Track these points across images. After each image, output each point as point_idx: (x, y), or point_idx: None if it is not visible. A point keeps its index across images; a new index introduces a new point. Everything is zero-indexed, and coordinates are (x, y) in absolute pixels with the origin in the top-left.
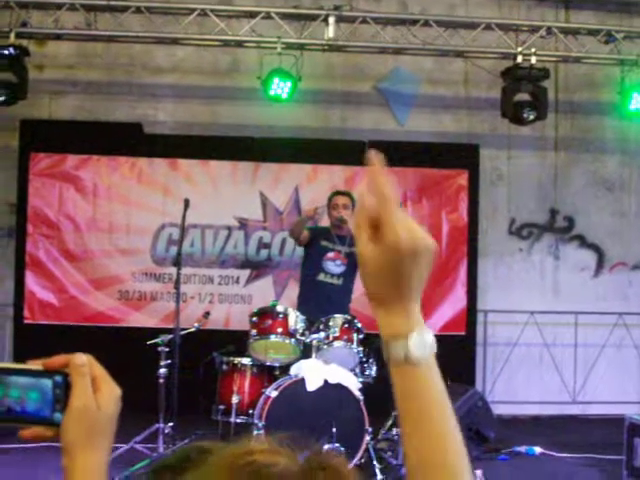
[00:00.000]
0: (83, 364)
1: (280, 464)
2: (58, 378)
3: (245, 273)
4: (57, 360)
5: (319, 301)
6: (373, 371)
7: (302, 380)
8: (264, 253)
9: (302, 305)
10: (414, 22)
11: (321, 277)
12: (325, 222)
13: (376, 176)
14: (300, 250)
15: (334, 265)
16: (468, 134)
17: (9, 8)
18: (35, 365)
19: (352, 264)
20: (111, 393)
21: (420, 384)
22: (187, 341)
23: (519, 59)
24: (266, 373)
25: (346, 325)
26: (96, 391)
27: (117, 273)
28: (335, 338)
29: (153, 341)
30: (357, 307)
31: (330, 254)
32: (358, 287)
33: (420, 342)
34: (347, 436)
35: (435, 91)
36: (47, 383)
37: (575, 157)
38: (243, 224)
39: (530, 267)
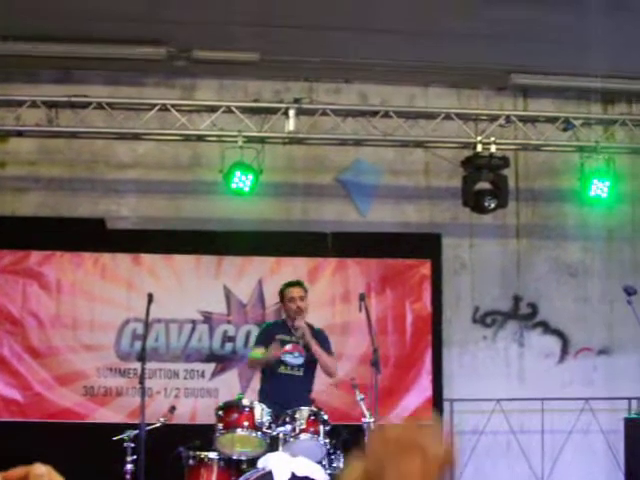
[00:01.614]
0: (42, 474)
1: None
2: None
3: (210, 367)
4: (17, 472)
5: (280, 394)
6: (341, 463)
7: (269, 473)
8: (229, 346)
9: (263, 401)
10: (374, 113)
11: (282, 370)
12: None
13: None
14: None
15: (293, 357)
16: (430, 223)
17: None
18: None
19: (311, 354)
20: None
21: None
22: (153, 436)
23: (479, 148)
24: (233, 467)
25: (312, 417)
26: None
27: (82, 369)
28: (301, 430)
29: (119, 437)
30: (324, 398)
31: (288, 347)
32: (324, 380)
33: None
34: None
35: (396, 181)
36: None
37: (537, 244)
38: (207, 318)
39: (495, 355)
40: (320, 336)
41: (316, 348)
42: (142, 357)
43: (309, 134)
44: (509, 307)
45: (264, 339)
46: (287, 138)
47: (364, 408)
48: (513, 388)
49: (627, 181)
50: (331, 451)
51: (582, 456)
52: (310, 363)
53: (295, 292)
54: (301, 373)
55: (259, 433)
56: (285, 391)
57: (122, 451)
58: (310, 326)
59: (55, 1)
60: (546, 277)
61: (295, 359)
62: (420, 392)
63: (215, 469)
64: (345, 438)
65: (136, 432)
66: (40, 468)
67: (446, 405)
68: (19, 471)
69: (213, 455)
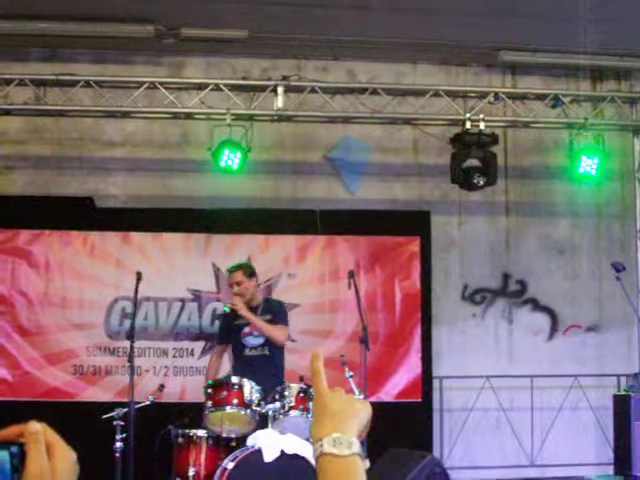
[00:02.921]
0: (37, 431)
1: None
2: (14, 449)
3: (199, 345)
4: (11, 431)
5: (250, 375)
6: None
7: (259, 451)
8: (218, 325)
9: None
10: (362, 91)
11: (247, 352)
12: (279, 293)
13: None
14: None
15: (252, 338)
16: (419, 201)
17: None
18: None
19: None
20: (66, 458)
21: (332, 471)
22: (142, 414)
23: (468, 125)
24: (222, 445)
25: (301, 394)
26: (51, 457)
27: (71, 348)
28: (291, 408)
29: (108, 415)
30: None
31: (245, 329)
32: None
33: (333, 442)
34: None
35: (385, 159)
36: (4, 455)
37: (526, 221)
38: (196, 296)
39: (484, 332)
40: (274, 307)
41: (255, 322)
42: (131, 335)
43: (297, 111)
44: (498, 284)
45: (222, 334)
46: (275, 115)
47: (353, 385)
48: (502, 365)
49: (616, 158)
50: None
51: (571, 432)
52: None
53: (232, 278)
54: (266, 352)
55: (248, 411)
56: (254, 372)
57: (111, 429)
58: (266, 299)
59: None
60: (535, 254)
61: (255, 339)
62: (409, 369)
63: (204, 447)
64: None
65: (125, 410)
66: (35, 426)
67: (435, 382)
68: (14, 430)
69: (202, 433)
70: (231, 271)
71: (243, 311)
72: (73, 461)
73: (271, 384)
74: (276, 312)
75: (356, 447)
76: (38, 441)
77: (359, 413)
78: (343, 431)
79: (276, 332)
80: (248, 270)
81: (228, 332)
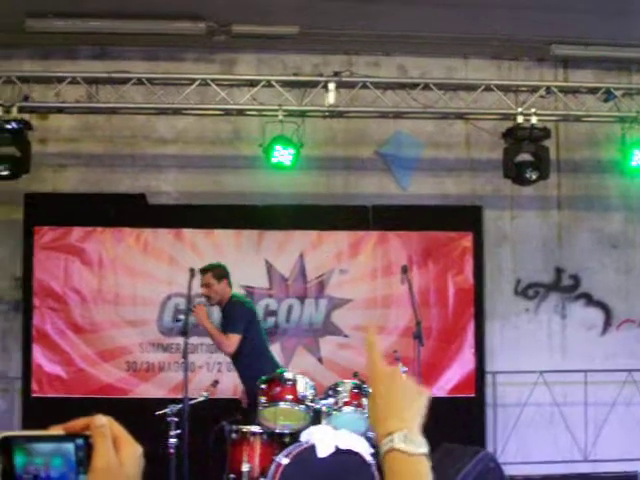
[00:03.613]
0: (103, 425)
1: None
2: (80, 441)
3: None
4: (78, 423)
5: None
6: None
7: (313, 446)
8: (271, 320)
9: None
10: (414, 86)
11: None
12: (332, 289)
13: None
14: (306, 317)
15: None
16: (471, 196)
17: (11, 83)
18: (56, 430)
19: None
20: (133, 452)
21: (402, 468)
22: (196, 411)
23: (519, 119)
24: (276, 440)
25: (355, 390)
26: (118, 451)
27: (124, 344)
28: (345, 403)
29: (162, 411)
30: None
31: None
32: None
33: (404, 438)
34: None
35: (437, 154)
36: (69, 447)
37: (579, 215)
38: (249, 292)
39: (537, 327)
40: (228, 312)
41: (209, 332)
42: (185, 332)
43: (349, 107)
44: (551, 279)
45: None
46: (327, 111)
47: None
48: (556, 360)
49: None
50: None
51: (625, 428)
52: None
53: (202, 279)
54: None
55: (302, 406)
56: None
57: (165, 426)
58: (229, 299)
59: None
60: (588, 248)
61: None
62: (463, 364)
63: (258, 442)
64: None
65: (179, 406)
66: (101, 419)
67: (489, 377)
68: (80, 422)
69: (256, 429)
70: (202, 272)
71: (201, 320)
72: (139, 455)
73: (247, 386)
74: (228, 319)
75: (425, 447)
76: (105, 435)
77: (422, 406)
78: (412, 427)
79: (224, 343)
80: (218, 272)
81: None
